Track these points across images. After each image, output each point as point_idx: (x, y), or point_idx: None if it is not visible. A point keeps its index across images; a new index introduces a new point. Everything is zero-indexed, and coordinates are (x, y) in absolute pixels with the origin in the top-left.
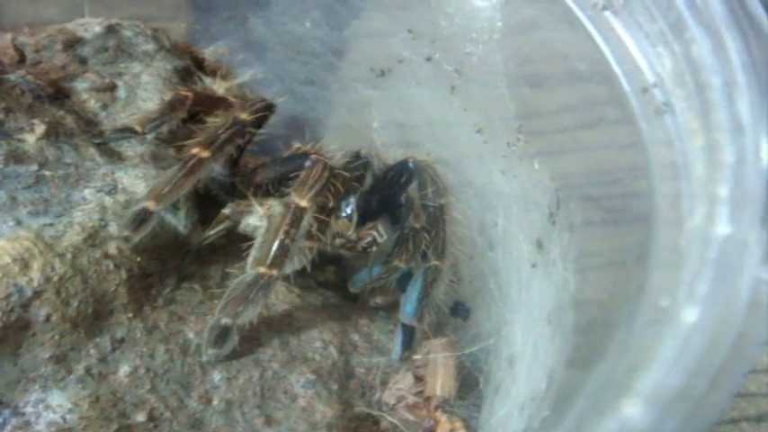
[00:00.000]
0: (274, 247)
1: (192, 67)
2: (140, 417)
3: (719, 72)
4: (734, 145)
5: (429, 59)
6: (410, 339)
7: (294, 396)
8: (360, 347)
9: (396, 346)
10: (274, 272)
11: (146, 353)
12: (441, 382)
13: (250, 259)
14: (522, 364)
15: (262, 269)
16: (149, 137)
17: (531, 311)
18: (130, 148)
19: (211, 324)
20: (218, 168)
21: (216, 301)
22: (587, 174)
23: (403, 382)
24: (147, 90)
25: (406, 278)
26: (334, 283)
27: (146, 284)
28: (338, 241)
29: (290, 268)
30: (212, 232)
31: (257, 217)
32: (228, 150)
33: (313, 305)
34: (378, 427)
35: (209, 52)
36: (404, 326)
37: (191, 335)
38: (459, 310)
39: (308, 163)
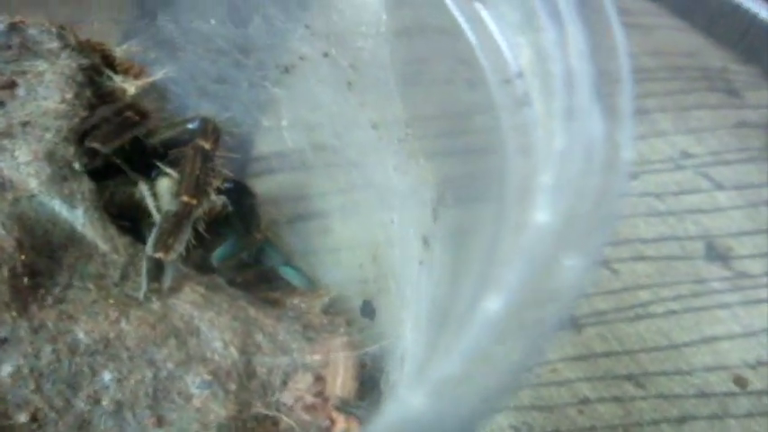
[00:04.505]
0: (193, 179)
1: (101, 65)
2: (23, 417)
3: (561, 61)
4: (565, 133)
5: (326, 55)
6: None
7: (189, 396)
8: (263, 348)
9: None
10: (194, 201)
11: (30, 352)
12: (341, 382)
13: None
14: (413, 364)
15: (185, 198)
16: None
17: (420, 310)
18: (25, 145)
19: (146, 260)
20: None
21: (111, 301)
22: (465, 172)
23: (302, 382)
24: (48, 88)
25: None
26: (249, 283)
27: (33, 283)
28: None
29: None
30: None
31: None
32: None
33: (217, 305)
34: (277, 428)
35: (120, 50)
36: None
37: (80, 335)
38: (367, 309)
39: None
